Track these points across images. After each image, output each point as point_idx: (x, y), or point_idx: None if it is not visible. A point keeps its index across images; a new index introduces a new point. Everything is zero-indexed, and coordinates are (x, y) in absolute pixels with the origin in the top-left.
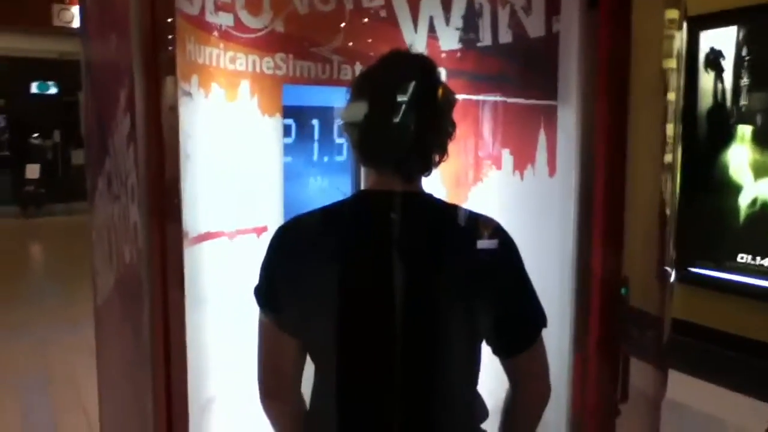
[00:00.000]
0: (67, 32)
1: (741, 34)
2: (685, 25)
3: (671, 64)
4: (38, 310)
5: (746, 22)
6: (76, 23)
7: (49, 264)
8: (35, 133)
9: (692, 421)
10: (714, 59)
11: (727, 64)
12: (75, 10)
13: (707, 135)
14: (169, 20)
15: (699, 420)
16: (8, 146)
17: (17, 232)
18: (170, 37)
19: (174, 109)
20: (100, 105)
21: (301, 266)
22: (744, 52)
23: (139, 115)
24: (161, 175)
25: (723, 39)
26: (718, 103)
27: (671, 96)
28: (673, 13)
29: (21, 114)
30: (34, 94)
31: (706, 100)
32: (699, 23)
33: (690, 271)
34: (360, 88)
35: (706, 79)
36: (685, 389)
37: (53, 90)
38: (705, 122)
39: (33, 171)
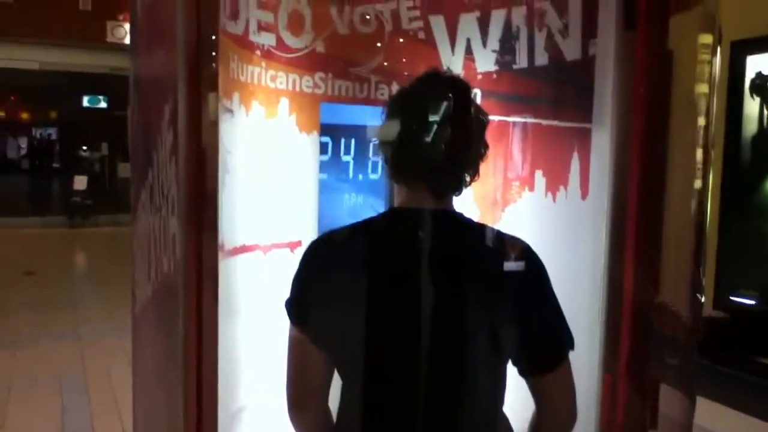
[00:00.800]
0: (119, 48)
1: None
2: (719, 50)
3: (704, 89)
4: (82, 316)
5: None
6: (128, 40)
7: (93, 272)
8: (84, 145)
9: None
10: (760, 84)
11: None
12: (128, 27)
13: (751, 161)
14: (213, 37)
15: None
16: (59, 158)
17: (64, 242)
18: (213, 53)
19: (215, 125)
20: (145, 118)
21: (331, 281)
22: None
23: (182, 129)
24: (200, 188)
25: None
26: (764, 128)
27: (701, 121)
28: (707, 38)
29: (71, 127)
30: (85, 108)
31: (750, 126)
32: (745, 47)
33: (731, 300)
34: (395, 107)
35: (752, 105)
36: (718, 417)
37: (103, 104)
38: (749, 148)
39: (81, 182)
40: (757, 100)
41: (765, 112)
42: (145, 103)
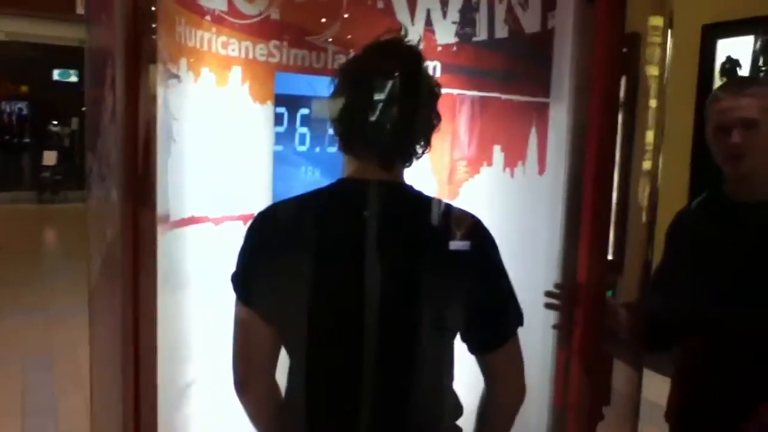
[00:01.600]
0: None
1: (758, 44)
2: (669, 33)
3: (654, 71)
4: (50, 292)
5: (762, 31)
6: None
7: (62, 248)
8: (54, 120)
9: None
10: (730, 68)
11: (744, 73)
12: None
13: None
14: (153, 9)
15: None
16: (29, 133)
17: (33, 218)
18: (153, 25)
19: (153, 98)
20: (94, 87)
21: (277, 254)
22: (760, 62)
23: (119, 101)
24: (137, 159)
25: (739, 48)
26: None
27: (652, 103)
28: (657, 20)
29: (42, 101)
30: (56, 82)
31: None
32: (716, 31)
33: None
34: (343, 75)
35: None
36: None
37: (74, 78)
38: None
39: (50, 158)
40: None
41: None
42: (95, 71)
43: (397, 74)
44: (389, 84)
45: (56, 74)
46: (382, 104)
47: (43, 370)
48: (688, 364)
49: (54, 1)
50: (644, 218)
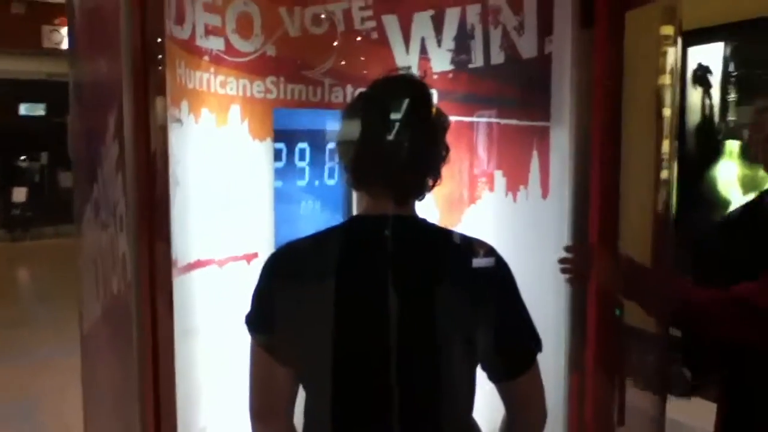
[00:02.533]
0: (56, 53)
1: (728, 50)
2: (680, 41)
3: (666, 80)
4: (28, 334)
5: (733, 38)
6: (65, 44)
7: (37, 287)
8: (23, 155)
9: None
10: (702, 75)
11: (715, 79)
12: (65, 31)
13: (696, 151)
14: (159, 40)
15: None
16: None
17: (5, 257)
18: (160, 56)
19: (163, 129)
20: (88, 129)
21: (294, 293)
22: (731, 68)
23: (128, 136)
24: (150, 200)
25: (710, 55)
26: (706, 118)
27: (666, 112)
28: (668, 29)
29: (9, 136)
30: (23, 116)
31: (694, 116)
32: (686, 39)
33: None
34: (353, 111)
35: (694, 95)
36: (681, 407)
37: (41, 111)
38: (693, 138)
39: (20, 194)
40: (699, 90)
41: (707, 101)
42: (88, 112)
43: (407, 107)
44: (400, 120)
45: (23, 108)
46: (394, 140)
47: (29, 417)
48: (736, 387)
49: (19, 36)
50: (665, 229)
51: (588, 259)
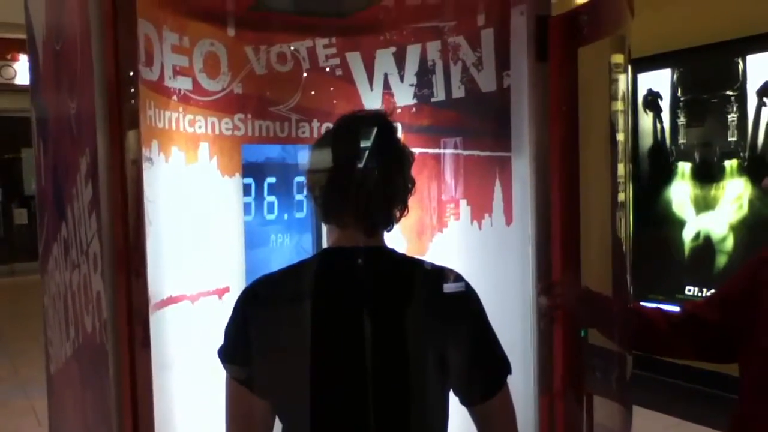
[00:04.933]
0: (7, 88)
1: (675, 76)
2: (629, 68)
3: (619, 106)
4: None
5: (679, 64)
6: (19, 80)
7: None
8: None
9: None
10: (652, 100)
11: (665, 104)
12: (18, 66)
13: (649, 173)
14: (131, 74)
15: None
16: None
17: None
18: (132, 90)
19: (137, 164)
20: (56, 169)
21: (270, 326)
22: (679, 93)
23: (102, 173)
24: (126, 240)
25: (659, 81)
26: (658, 142)
27: (620, 137)
28: (618, 58)
29: None
30: None
31: (646, 140)
32: (636, 66)
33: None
34: (323, 145)
35: (646, 120)
36: (644, 423)
37: None
38: (647, 161)
39: None
40: (650, 114)
41: (658, 125)
42: (56, 152)
43: (375, 143)
44: (368, 154)
45: None
46: (362, 174)
47: None
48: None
49: None
50: (624, 249)
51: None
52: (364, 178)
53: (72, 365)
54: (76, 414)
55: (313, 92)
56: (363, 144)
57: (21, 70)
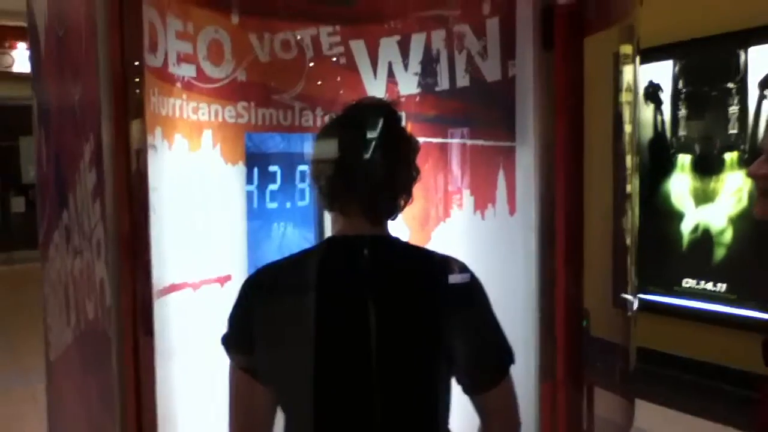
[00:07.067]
0: (6, 77)
1: (677, 68)
2: (638, 59)
3: (627, 97)
4: None
5: (680, 56)
6: (17, 68)
7: None
8: None
9: None
10: (653, 92)
11: (665, 96)
12: (15, 54)
13: (649, 165)
14: (137, 63)
15: None
16: None
17: None
18: (137, 80)
19: (142, 153)
20: (58, 156)
21: (274, 314)
22: (680, 85)
23: (107, 161)
24: (130, 227)
25: (660, 72)
26: (658, 134)
27: (628, 128)
28: (627, 48)
29: None
30: None
31: (646, 132)
32: None
33: (641, 298)
34: (328, 134)
35: (646, 112)
36: (644, 415)
37: None
38: (647, 153)
39: None
40: (651, 106)
41: (659, 118)
42: (58, 140)
43: (380, 131)
44: (373, 142)
45: None
46: (367, 162)
47: None
48: None
49: None
50: (628, 240)
51: None
52: (369, 167)
53: (73, 352)
54: (75, 399)
55: (316, 80)
56: (369, 133)
57: (19, 58)
